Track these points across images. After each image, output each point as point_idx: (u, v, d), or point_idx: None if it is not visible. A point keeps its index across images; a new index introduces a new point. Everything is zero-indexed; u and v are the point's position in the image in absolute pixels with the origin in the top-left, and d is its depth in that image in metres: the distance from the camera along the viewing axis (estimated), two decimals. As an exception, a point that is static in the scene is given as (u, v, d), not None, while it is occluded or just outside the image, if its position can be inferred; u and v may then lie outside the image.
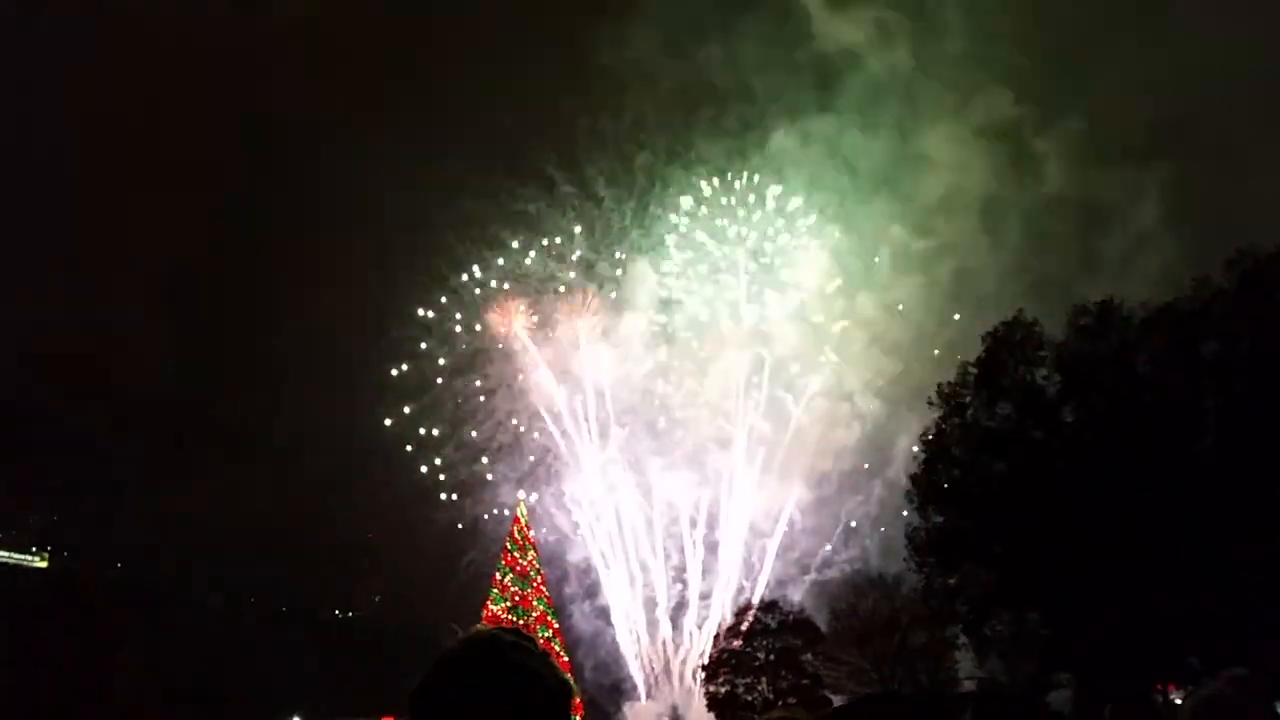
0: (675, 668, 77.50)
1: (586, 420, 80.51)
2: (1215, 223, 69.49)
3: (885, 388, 78.68)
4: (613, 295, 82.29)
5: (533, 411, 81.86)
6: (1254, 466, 34.59)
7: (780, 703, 54.83)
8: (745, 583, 77.68)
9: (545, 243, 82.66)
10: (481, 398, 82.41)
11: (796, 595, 71.11)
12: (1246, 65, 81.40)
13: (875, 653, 56.04)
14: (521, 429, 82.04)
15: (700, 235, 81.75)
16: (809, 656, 59.04)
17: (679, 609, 79.34)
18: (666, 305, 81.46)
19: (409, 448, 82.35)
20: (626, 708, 76.36)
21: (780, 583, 76.85)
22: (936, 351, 72.23)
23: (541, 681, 2.34)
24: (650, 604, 79.44)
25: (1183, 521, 34.76)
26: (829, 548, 78.55)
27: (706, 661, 63.08)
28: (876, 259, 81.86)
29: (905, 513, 45.40)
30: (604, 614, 79.18)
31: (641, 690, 77.56)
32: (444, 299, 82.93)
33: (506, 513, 74.50)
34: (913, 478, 44.35)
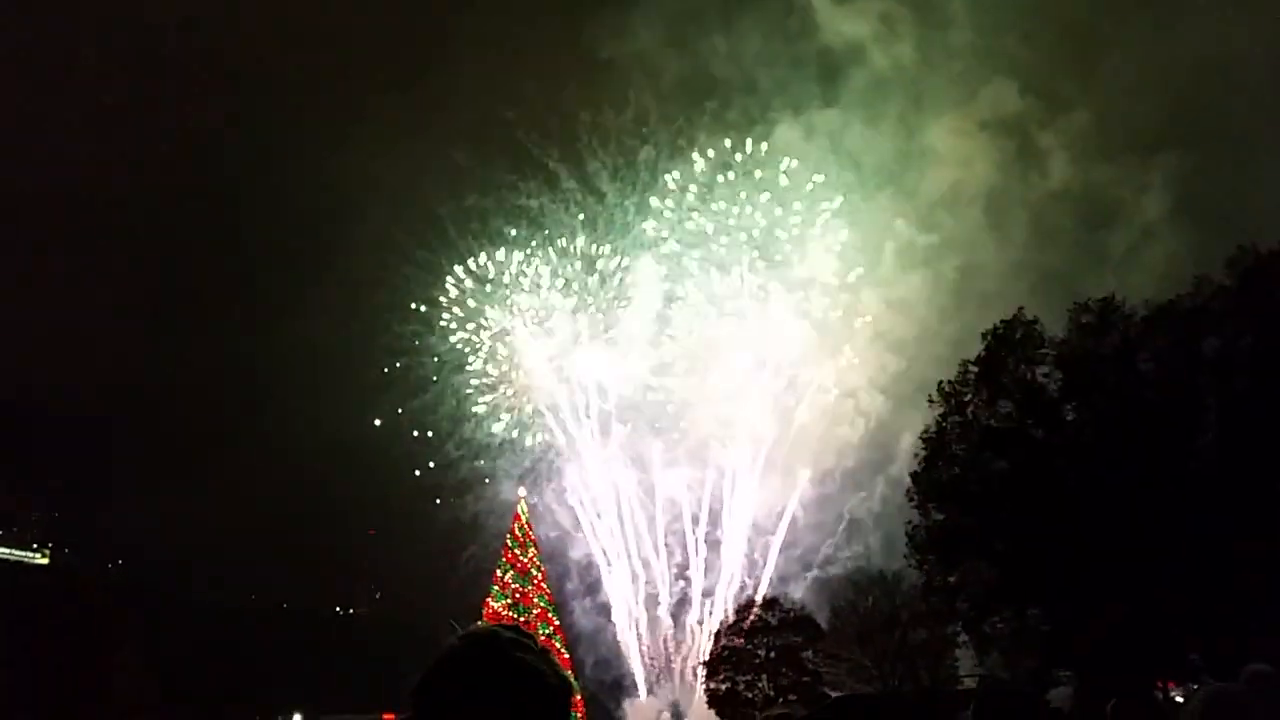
0: (676, 665, 77.63)
1: (588, 416, 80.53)
2: (1224, 217, 69.28)
3: (889, 384, 78.67)
4: (615, 290, 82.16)
5: (534, 408, 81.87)
6: (1255, 464, 34.59)
7: (781, 700, 54.93)
8: (747, 580, 77.75)
9: (547, 236, 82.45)
10: (482, 394, 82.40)
11: (798, 592, 71.10)
12: (1257, 56, 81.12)
13: (875, 650, 56.08)
14: (522, 425, 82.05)
15: (705, 226, 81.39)
16: (809, 654, 59.07)
17: (680, 606, 79.45)
18: (669, 300, 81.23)
19: (409, 444, 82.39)
20: (627, 704, 76.44)
21: (782, 579, 76.93)
22: (942, 345, 72.06)
23: (541, 679, 2.33)
24: (651, 601, 79.56)
25: (1184, 518, 34.77)
26: (831, 544, 78.49)
27: (707, 658, 63.12)
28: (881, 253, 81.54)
29: (909, 509, 45.30)
30: (605, 610, 79.26)
31: (642, 687, 77.70)
32: (444, 294, 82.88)
33: (507, 509, 74.47)
34: (913, 475, 44.34)
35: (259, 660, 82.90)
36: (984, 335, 43.24)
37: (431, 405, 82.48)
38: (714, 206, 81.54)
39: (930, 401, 44.62)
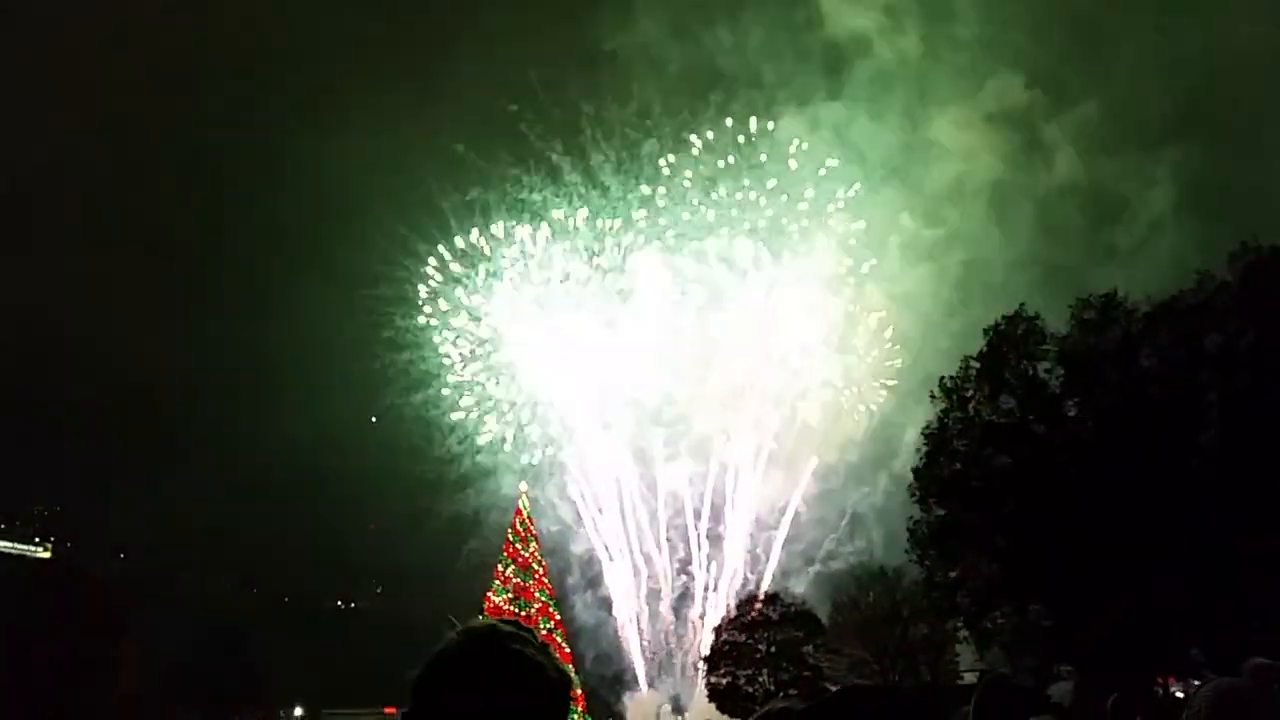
0: (677, 659, 77.71)
1: (590, 411, 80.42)
2: (1232, 211, 69.15)
3: (893, 378, 78.56)
4: (618, 284, 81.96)
5: (536, 401, 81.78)
6: (1257, 460, 34.56)
7: (781, 694, 55.03)
8: (750, 575, 77.79)
9: (550, 230, 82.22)
10: (485, 387, 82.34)
11: (800, 587, 71.15)
12: (1264, 48, 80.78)
13: (876, 645, 56.18)
14: (525, 419, 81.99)
15: (709, 219, 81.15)
16: (810, 648, 59.18)
17: (682, 600, 79.51)
18: (672, 294, 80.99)
19: (411, 438, 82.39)
20: (627, 698, 76.56)
21: (784, 574, 76.97)
22: (947, 340, 71.85)
23: (541, 672, 2.33)
24: (653, 595, 79.61)
25: (1185, 514, 34.75)
26: (834, 539, 78.44)
27: (708, 653, 63.21)
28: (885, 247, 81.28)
29: (912, 505, 45.27)
30: (606, 605, 79.35)
31: (643, 681, 77.79)
32: (448, 288, 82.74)
33: (509, 503, 74.48)
34: (915, 471, 44.33)
35: (260, 654, 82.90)
36: (985, 331, 43.23)
37: (433, 399, 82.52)
38: (718, 199, 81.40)
39: (932, 397, 44.63)
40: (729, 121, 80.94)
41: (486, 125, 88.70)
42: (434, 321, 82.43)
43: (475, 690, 2.28)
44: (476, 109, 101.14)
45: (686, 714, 71.38)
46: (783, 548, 78.25)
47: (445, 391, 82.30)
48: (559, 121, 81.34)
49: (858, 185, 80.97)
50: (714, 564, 78.92)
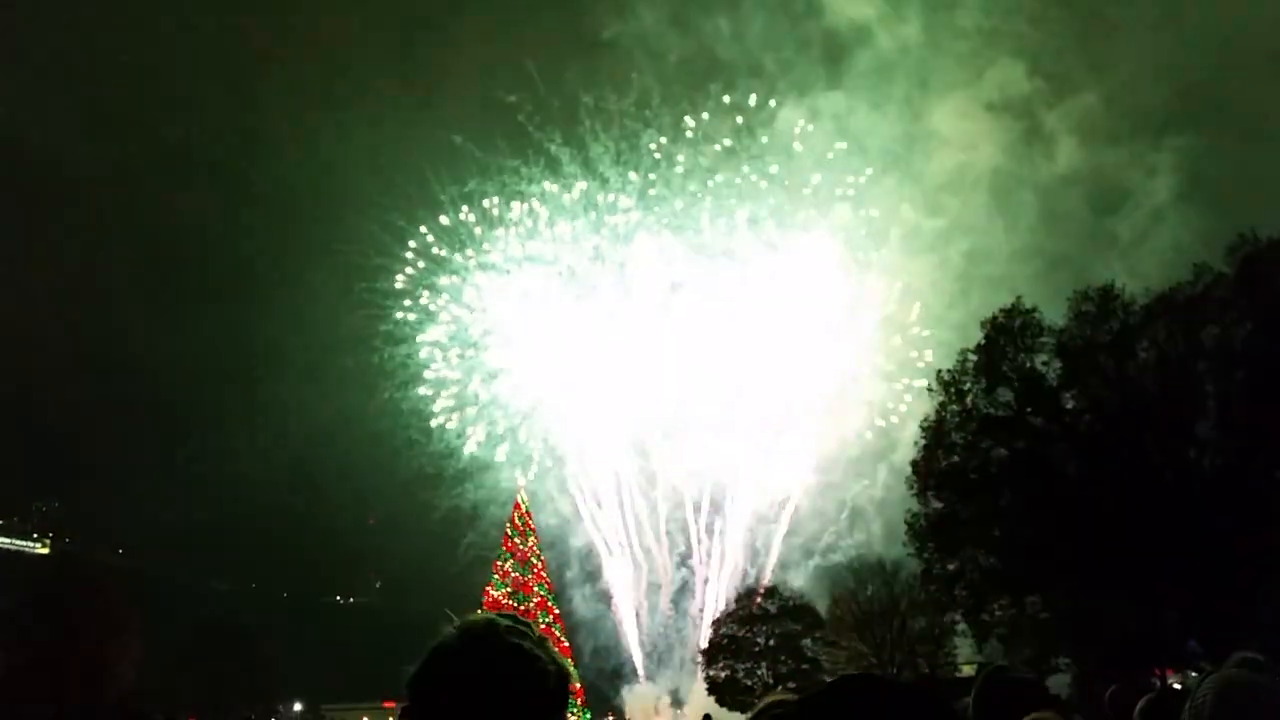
0: (675, 652, 77.83)
1: (590, 403, 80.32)
2: (1234, 200, 68.98)
3: (894, 371, 78.46)
4: (617, 276, 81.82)
5: (536, 394, 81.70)
6: (1254, 451, 34.62)
7: (780, 687, 55.11)
8: (749, 568, 77.84)
9: (549, 222, 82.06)
10: (484, 381, 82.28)
11: (799, 579, 71.24)
12: (1266, 36, 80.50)
13: (875, 638, 56.21)
14: (524, 412, 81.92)
15: (708, 210, 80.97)
16: (809, 642, 59.26)
17: (681, 593, 79.60)
18: (672, 286, 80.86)
19: (410, 432, 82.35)
20: (626, 691, 76.67)
21: (783, 566, 77.03)
22: (948, 331, 71.73)
23: (539, 666, 2.33)
24: (652, 588, 79.69)
25: (1183, 507, 34.81)
26: (833, 532, 78.45)
27: (706, 646, 63.28)
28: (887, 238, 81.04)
29: (911, 498, 45.31)
30: (605, 598, 79.46)
31: (641, 674, 77.90)
32: (447, 280, 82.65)
33: (508, 497, 74.45)
34: (913, 464, 44.36)
35: (260, 648, 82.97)
36: (983, 324, 43.25)
37: (432, 393, 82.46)
38: (718, 190, 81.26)
39: (930, 390, 44.66)
40: (729, 112, 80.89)
41: (485, 116, 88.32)
42: (432, 309, 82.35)
43: (473, 685, 2.28)
44: (474, 99, 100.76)
45: (685, 707, 71.49)
46: (782, 540, 78.38)
47: (444, 385, 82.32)
48: (557, 112, 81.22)
49: (859, 175, 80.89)
50: (713, 557, 79.07)
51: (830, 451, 78.67)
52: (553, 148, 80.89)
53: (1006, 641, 43.20)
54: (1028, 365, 42.01)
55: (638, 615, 78.99)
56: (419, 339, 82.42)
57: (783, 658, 58.62)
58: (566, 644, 65.89)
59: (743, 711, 51.53)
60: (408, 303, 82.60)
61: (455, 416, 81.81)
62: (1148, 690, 7.08)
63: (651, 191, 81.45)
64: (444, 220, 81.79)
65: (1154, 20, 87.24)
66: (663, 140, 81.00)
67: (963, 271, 77.41)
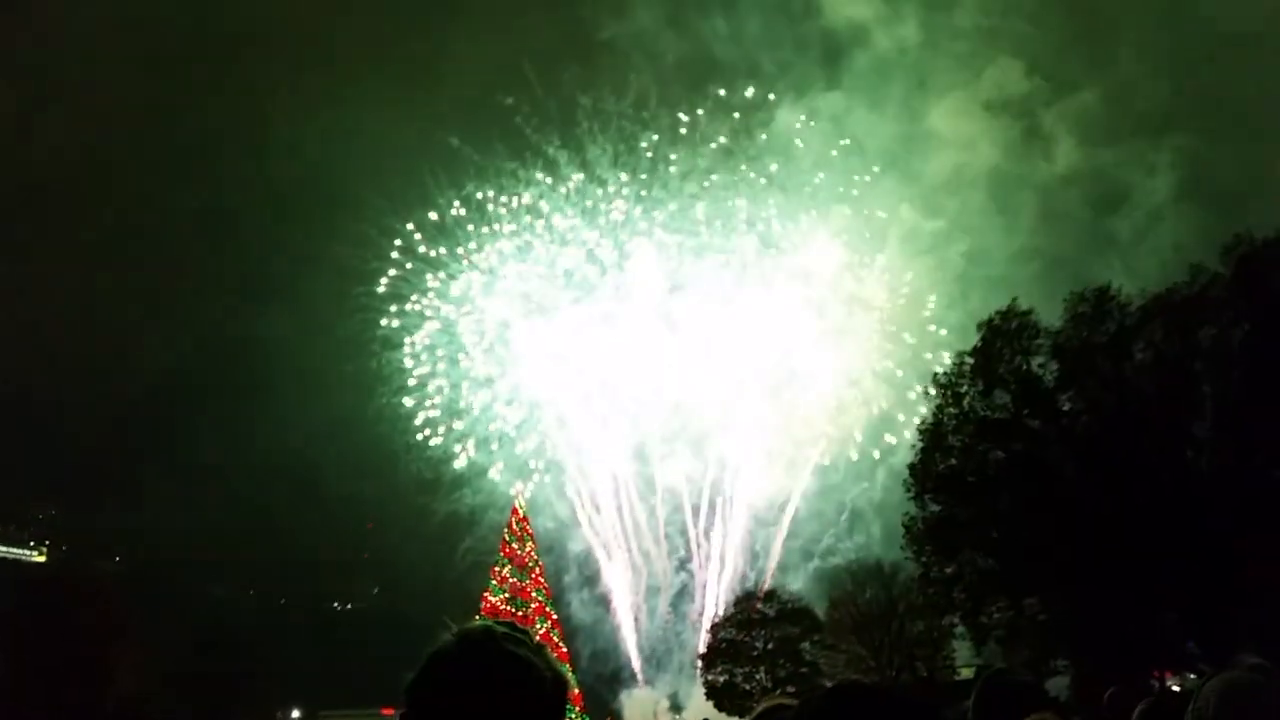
0: (674, 656, 77.75)
1: (587, 407, 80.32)
2: (1234, 199, 68.99)
3: (893, 372, 78.45)
4: (615, 279, 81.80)
5: (533, 398, 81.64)
6: (1251, 452, 34.65)
7: (779, 691, 55.04)
8: (749, 571, 77.80)
9: (547, 225, 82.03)
10: (481, 384, 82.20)
11: (797, 582, 71.21)
12: (1267, 34, 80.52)
13: (873, 641, 56.20)
14: (522, 416, 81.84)
15: (707, 213, 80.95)
16: (807, 645, 59.24)
17: (679, 597, 79.55)
18: (670, 288, 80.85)
19: (407, 437, 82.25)
20: (625, 696, 76.54)
21: (782, 569, 77.02)
22: (948, 332, 71.79)
23: (536, 674, 2.34)
24: (650, 593, 79.62)
25: (1180, 508, 34.82)
26: (833, 534, 78.39)
27: (705, 650, 63.24)
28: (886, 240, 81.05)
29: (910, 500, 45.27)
30: (603, 602, 79.39)
31: (640, 679, 77.80)
32: (443, 283, 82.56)
33: (505, 501, 74.34)
34: (910, 467, 44.39)
35: (258, 654, 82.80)
36: (979, 326, 43.31)
37: (429, 397, 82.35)
38: (715, 192, 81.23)
39: (926, 393, 44.70)
40: (727, 112, 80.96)
41: (482, 119, 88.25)
42: (427, 314, 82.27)
43: (470, 693, 2.28)
44: (471, 101, 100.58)
45: (684, 711, 71.42)
46: (781, 544, 78.36)
47: (441, 389, 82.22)
48: (555, 114, 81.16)
49: (858, 175, 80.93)
50: (712, 560, 79.02)
51: (830, 453, 78.77)
52: (550, 149, 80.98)
53: (1005, 644, 43.19)
54: (1024, 367, 42.05)
55: (636, 619, 79.00)
56: (414, 341, 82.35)
57: (781, 661, 58.60)
58: (565, 649, 65.80)
59: (741, 716, 51.47)
60: (404, 307, 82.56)
61: (452, 419, 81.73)
62: (1147, 692, 7.08)
63: (649, 193, 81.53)
64: (441, 223, 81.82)
65: (1153, 18, 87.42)
66: (660, 141, 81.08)
67: (962, 272, 77.49)
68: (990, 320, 42.85)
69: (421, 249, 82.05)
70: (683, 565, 79.82)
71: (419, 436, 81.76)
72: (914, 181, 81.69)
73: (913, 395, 70.37)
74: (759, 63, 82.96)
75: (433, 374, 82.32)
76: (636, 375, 79.57)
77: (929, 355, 68.79)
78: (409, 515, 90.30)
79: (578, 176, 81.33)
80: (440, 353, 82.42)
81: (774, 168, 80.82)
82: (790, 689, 55.68)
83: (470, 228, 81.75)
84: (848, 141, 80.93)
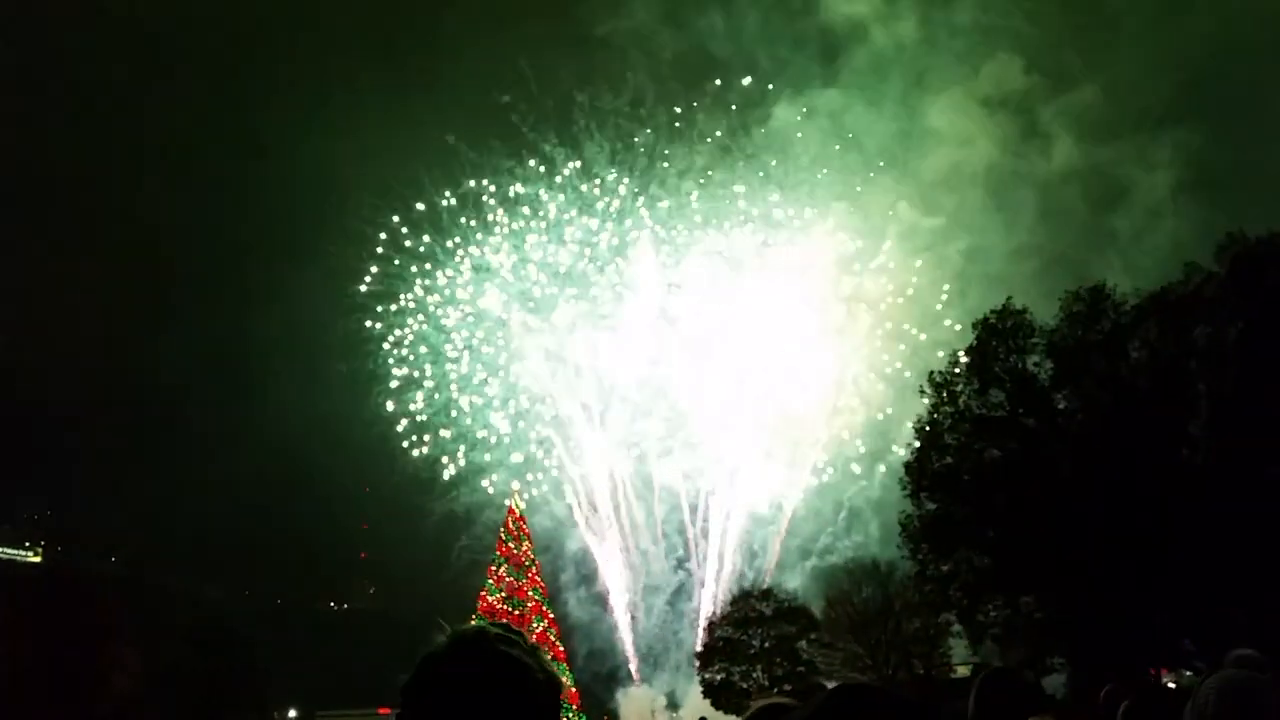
0: (671, 655, 77.74)
1: (584, 406, 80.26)
2: (1234, 196, 69.04)
3: (891, 370, 78.43)
4: (613, 276, 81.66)
5: (530, 396, 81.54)
6: (1246, 451, 34.72)
7: (775, 690, 55.09)
8: (747, 570, 77.78)
9: (544, 223, 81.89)
10: (477, 383, 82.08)
11: (794, 581, 71.17)
12: (1265, 29, 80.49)
13: (870, 640, 56.27)
14: (518, 415, 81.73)
15: (705, 210, 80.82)
16: (804, 644, 59.27)
17: (676, 596, 79.52)
18: (668, 286, 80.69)
19: (402, 436, 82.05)
20: (621, 695, 76.52)
21: (780, 568, 77.01)
22: (946, 330, 71.74)
23: (530, 676, 2.33)
24: (648, 591, 79.59)
25: (1175, 506, 34.90)
26: (830, 533, 78.35)
27: (701, 649, 63.25)
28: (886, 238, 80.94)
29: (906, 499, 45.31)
30: (600, 600, 79.31)
31: (637, 677, 77.78)
32: (439, 282, 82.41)
33: (502, 500, 74.22)
34: (906, 465, 44.48)
35: (254, 655, 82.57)
36: (974, 325, 43.40)
37: (425, 396, 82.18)
38: (713, 189, 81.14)
39: (922, 392, 44.77)
40: (724, 109, 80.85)
41: (477, 116, 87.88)
42: (422, 313, 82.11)
43: (463, 695, 2.29)
44: (467, 99, 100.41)
45: (681, 710, 71.44)
46: (779, 543, 78.36)
47: (437, 388, 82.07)
48: (552, 112, 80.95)
49: (856, 173, 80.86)
50: (710, 559, 79.02)
51: (828, 452, 78.79)
52: (547, 147, 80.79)
53: (1001, 642, 43.28)
54: (1019, 366, 42.15)
55: (633, 618, 78.97)
56: (409, 340, 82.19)
57: (778, 660, 58.62)
58: (561, 648, 65.74)
59: (738, 714, 51.50)
60: (398, 305, 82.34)
61: (447, 418, 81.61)
62: (1144, 689, 7.07)
63: (645, 190, 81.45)
64: (437, 221, 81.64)
65: (1152, 14, 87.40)
66: (657, 137, 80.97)
67: (961, 270, 77.41)
68: (985, 319, 42.97)
69: (415, 247, 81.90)
70: (680, 564, 79.86)
71: (414, 436, 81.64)
72: (912, 178, 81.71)
73: (910, 394, 70.43)
74: (756, 59, 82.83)
75: (429, 373, 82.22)
76: (633, 373, 79.54)
77: (928, 353, 68.73)
78: (404, 515, 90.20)
79: (574, 171, 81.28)
80: (434, 351, 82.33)
81: (772, 164, 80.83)
82: (787, 687, 55.74)
83: (463, 221, 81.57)
84: (847, 138, 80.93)
